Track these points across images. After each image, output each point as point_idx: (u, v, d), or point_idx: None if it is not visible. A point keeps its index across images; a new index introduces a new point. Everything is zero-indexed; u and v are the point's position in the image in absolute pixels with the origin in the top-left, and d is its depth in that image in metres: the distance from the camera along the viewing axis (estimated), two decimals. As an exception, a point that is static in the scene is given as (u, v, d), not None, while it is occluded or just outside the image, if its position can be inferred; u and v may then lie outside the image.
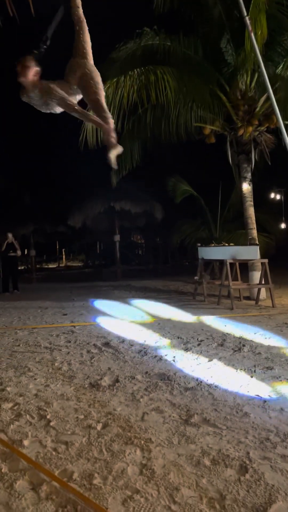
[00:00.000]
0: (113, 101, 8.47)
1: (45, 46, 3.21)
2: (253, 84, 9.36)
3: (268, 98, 6.93)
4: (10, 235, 12.06)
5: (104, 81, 9.10)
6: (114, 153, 3.11)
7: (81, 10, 3.32)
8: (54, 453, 2.33)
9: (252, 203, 9.69)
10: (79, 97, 3.29)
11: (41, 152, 22.26)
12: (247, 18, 5.21)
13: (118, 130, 9.07)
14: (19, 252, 12.34)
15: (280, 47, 9.19)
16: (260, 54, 6.30)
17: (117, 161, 3.18)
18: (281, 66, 9.14)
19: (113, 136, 3.09)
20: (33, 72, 3.01)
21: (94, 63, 3.30)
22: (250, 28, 5.35)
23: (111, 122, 3.14)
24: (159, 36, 9.19)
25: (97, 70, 3.28)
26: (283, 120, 6.04)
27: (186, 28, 9.70)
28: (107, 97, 8.40)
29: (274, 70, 9.17)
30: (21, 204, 18.37)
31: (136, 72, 8.63)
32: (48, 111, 3.25)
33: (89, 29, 3.33)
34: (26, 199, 18.80)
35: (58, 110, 3.22)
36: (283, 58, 9.15)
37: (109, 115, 3.17)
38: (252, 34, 5.40)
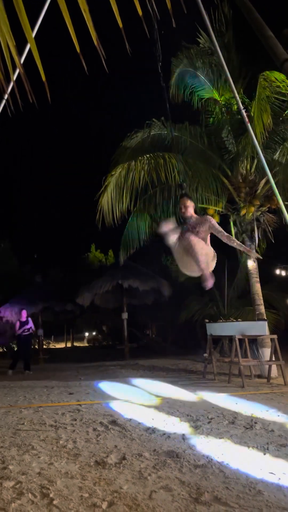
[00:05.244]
0: (125, 182, 9.07)
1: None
2: (253, 169, 10.00)
3: (268, 181, 7.41)
4: (23, 313, 11.89)
5: (116, 165, 9.86)
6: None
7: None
8: (56, 532, 2.21)
9: (258, 279, 9.82)
10: None
11: (54, 236, 23.17)
12: (243, 111, 5.76)
13: (130, 209, 9.63)
14: (32, 329, 11.87)
15: (277, 136, 9.94)
16: (259, 142, 6.86)
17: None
18: (278, 152, 9.84)
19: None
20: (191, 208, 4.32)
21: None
22: (247, 120, 5.89)
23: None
24: (166, 126, 10.12)
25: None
26: (283, 201, 6.37)
27: (191, 119, 10.82)
28: (119, 178, 9.08)
29: (272, 156, 9.84)
30: (32, 284, 18.58)
31: (145, 157, 9.35)
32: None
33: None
34: (37, 279, 19.04)
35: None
36: (280, 146, 9.86)
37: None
38: (249, 125, 5.93)
